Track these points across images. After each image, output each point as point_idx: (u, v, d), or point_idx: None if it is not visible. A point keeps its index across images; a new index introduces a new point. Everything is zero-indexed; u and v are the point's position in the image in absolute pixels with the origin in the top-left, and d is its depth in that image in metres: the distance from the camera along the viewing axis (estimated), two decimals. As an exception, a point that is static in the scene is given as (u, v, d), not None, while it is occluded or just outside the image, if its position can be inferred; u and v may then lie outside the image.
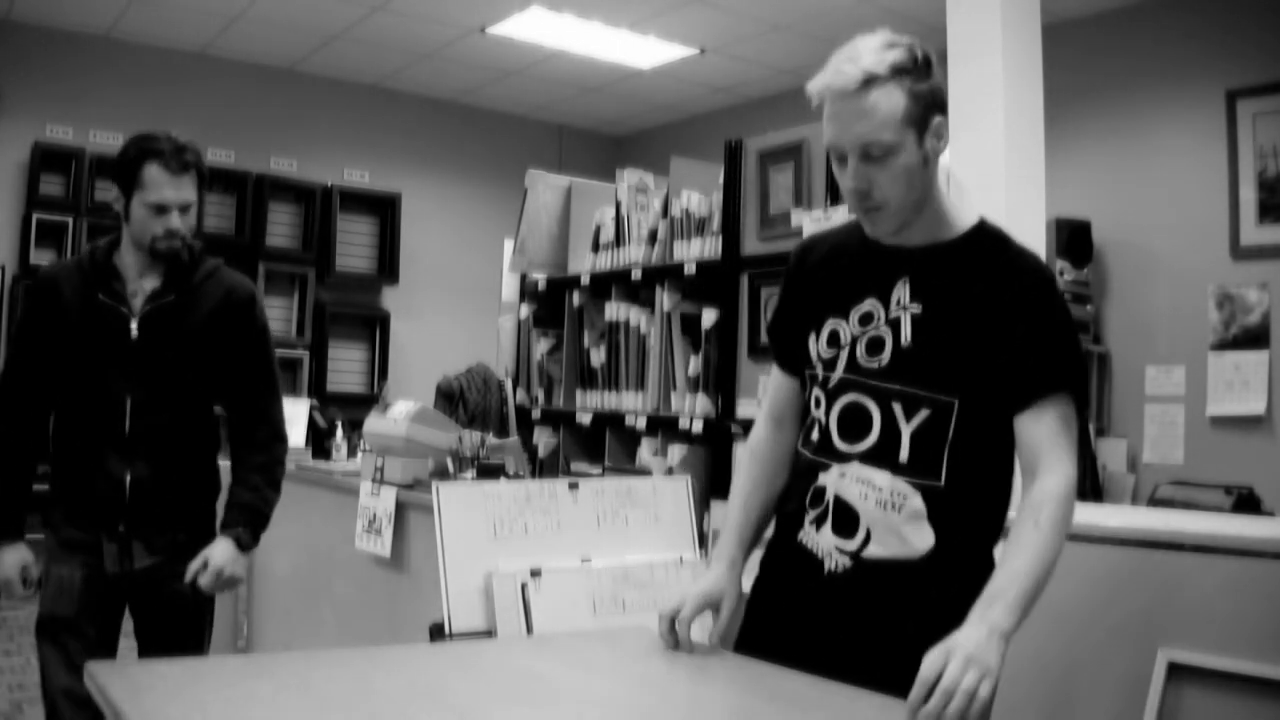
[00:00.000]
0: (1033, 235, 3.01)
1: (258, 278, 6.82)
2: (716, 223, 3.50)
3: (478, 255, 7.21)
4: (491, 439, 3.71)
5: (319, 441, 4.70)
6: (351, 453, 4.44)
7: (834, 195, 3.16)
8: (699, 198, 3.62)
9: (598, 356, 3.89)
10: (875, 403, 1.63)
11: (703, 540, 3.24)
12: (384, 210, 7.42)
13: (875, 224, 1.67)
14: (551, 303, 4.17)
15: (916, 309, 1.62)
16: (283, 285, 7.05)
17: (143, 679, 1.51)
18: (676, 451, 3.51)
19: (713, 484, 3.37)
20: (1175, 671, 1.96)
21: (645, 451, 3.67)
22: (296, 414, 4.83)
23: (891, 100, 1.57)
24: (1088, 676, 2.09)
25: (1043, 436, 1.55)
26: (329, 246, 7.12)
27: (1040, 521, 1.51)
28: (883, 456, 1.62)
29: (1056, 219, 4.94)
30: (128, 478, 2.40)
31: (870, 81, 1.58)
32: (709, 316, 3.48)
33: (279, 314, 7.04)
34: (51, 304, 2.40)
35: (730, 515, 1.87)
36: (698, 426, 3.43)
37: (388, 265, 7.40)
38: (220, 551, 2.47)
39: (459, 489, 2.35)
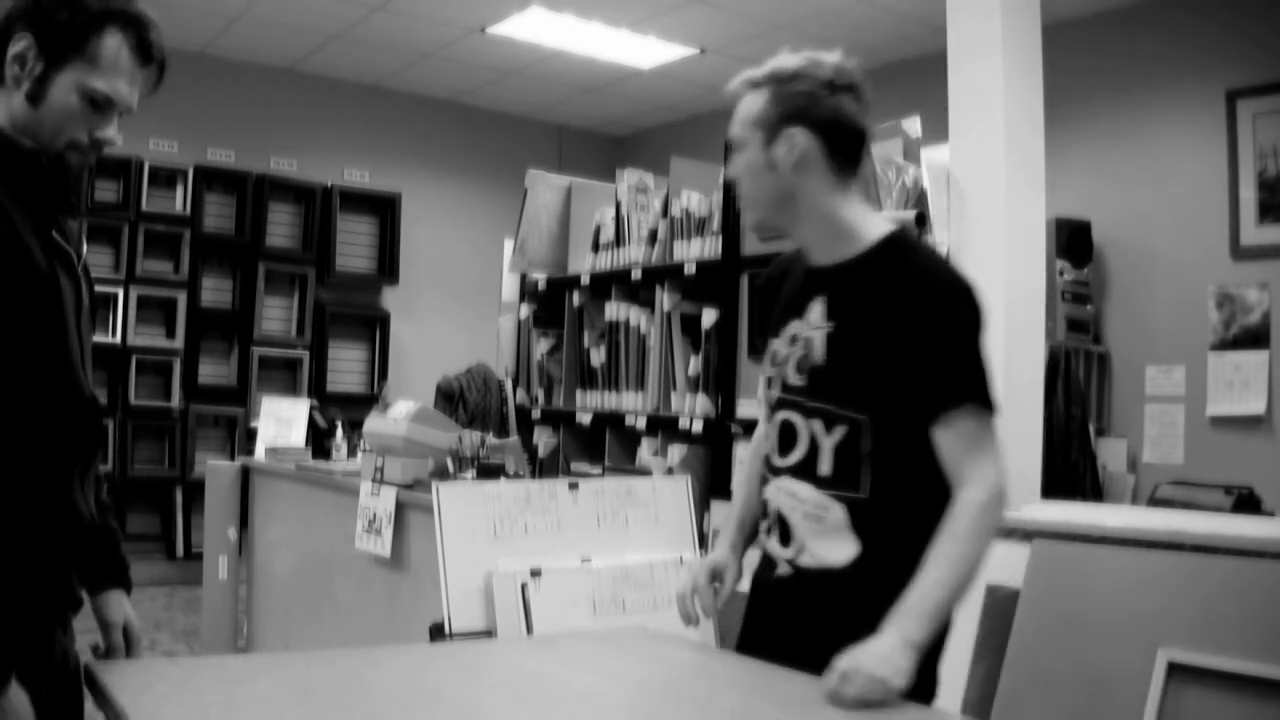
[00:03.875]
0: (1033, 235, 3.01)
1: (258, 278, 6.83)
2: (716, 223, 3.51)
3: (478, 255, 7.22)
4: (491, 439, 3.71)
5: (319, 441, 4.70)
6: (351, 453, 4.43)
7: (834, 195, 3.16)
8: (699, 198, 3.62)
9: (598, 356, 3.89)
10: (802, 419, 1.71)
11: (703, 540, 3.24)
12: (384, 210, 7.42)
13: (745, 217, 1.81)
14: (551, 303, 4.17)
15: (830, 328, 1.68)
16: (283, 285, 7.05)
17: (143, 679, 1.51)
18: (676, 451, 3.51)
19: (713, 484, 3.37)
20: (1175, 671, 1.96)
21: (645, 451, 3.67)
22: (297, 414, 4.84)
23: (752, 103, 1.70)
24: (1088, 676, 2.09)
25: (957, 448, 1.59)
26: (329, 246, 7.12)
27: (958, 532, 1.55)
28: (807, 470, 1.69)
29: (1056, 219, 4.94)
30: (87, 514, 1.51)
31: (748, 85, 1.72)
32: (709, 316, 3.48)
33: (279, 314, 7.04)
34: (7, 244, 1.38)
35: (733, 507, 1.98)
36: (698, 426, 3.43)
37: (388, 265, 7.40)
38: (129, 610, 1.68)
39: (459, 489, 2.36)
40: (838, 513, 1.66)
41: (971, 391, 1.61)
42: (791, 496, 1.71)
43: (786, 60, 1.68)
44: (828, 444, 1.67)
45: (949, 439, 1.59)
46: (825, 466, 1.67)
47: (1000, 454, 1.60)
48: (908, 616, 1.50)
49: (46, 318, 1.41)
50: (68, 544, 1.45)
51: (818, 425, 1.68)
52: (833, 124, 1.65)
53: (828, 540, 1.67)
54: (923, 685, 1.53)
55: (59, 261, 1.45)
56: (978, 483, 1.57)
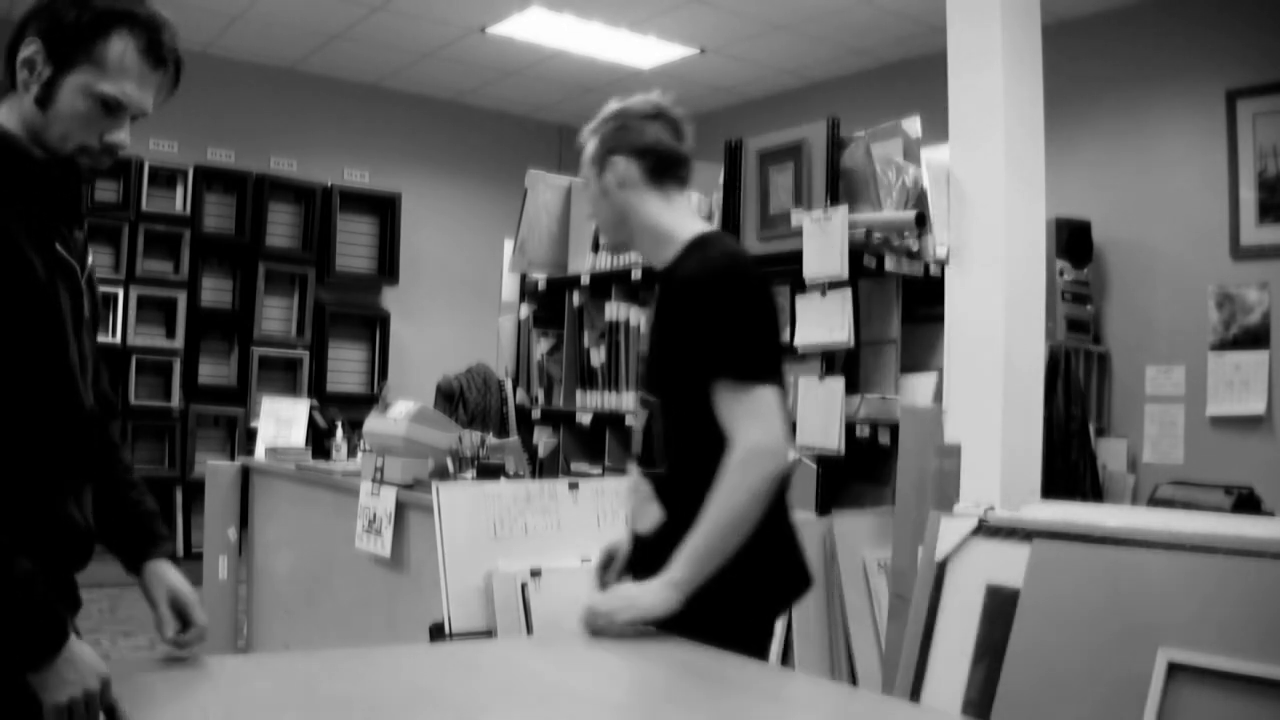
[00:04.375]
0: (1033, 235, 3.01)
1: (258, 278, 6.83)
2: (716, 222, 3.51)
3: (478, 255, 7.21)
4: (491, 439, 3.71)
5: (319, 441, 4.70)
6: (351, 453, 4.43)
7: (834, 196, 3.16)
8: (699, 198, 3.62)
9: (598, 356, 3.89)
10: (639, 408, 2.05)
11: (703, 540, 3.25)
12: (384, 210, 7.42)
13: (601, 240, 2.16)
14: (551, 303, 4.17)
15: (647, 325, 2.01)
16: (283, 285, 7.05)
17: (143, 679, 1.51)
18: (676, 451, 3.51)
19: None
20: (1175, 671, 1.96)
21: (645, 451, 3.67)
22: (297, 414, 4.84)
23: (589, 146, 2.04)
24: (1087, 676, 2.09)
25: (724, 418, 1.81)
26: (329, 246, 7.12)
27: (719, 488, 1.78)
28: (634, 452, 2.04)
29: (1056, 219, 4.94)
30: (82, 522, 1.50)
31: (588, 133, 2.06)
32: (709, 316, 3.48)
33: (279, 314, 7.04)
34: (5, 252, 1.36)
35: None
36: (698, 426, 3.43)
37: (388, 265, 7.40)
38: (171, 580, 1.63)
39: (459, 489, 2.36)
40: (646, 487, 1.95)
41: (725, 366, 1.81)
42: (628, 475, 2.05)
43: (610, 105, 2.04)
44: (638, 427, 2.00)
45: (718, 411, 1.81)
46: (637, 448, 2.01)
47: (767, 415, 1.79)
48: (675, 561, 1.76)
49: (44, 331, 1.40)
50: (60, 550, 1.42)
51: (640, 412, 2.01)
52: (647, 148, 1.97)
53: (643, 512, 1.95)
54: (712, 623, 1.74)
55: (60, 274, 1.43)
56: (738, 445, 1.78)
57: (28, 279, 1.36)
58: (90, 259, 1.56)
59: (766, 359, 1.84)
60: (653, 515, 1.92)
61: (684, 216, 1.99)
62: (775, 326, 1.91)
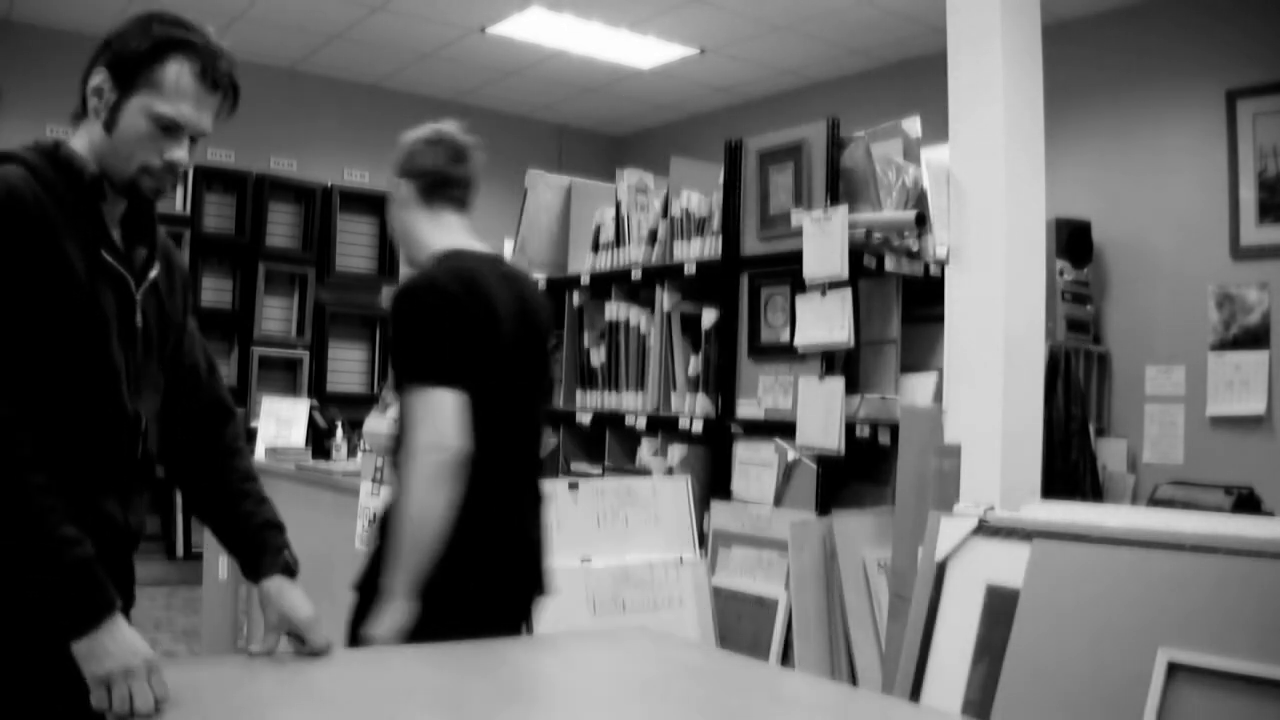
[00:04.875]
0: (1033, 235, 3.01)
1: (258, 278, 6.83)
2: (716, 223, 3.50)
3: (478, 255, 7.21)
4: (491, 439, 3.70)
5: (319, 441, 4.70)
6: (351, 453, 4.44)
7: (834, 196, 3.16)
8: (699, 198, 3.62)
9: (598, 356, 3.89)
10: None
11: (702, 540, 3.25)
12: (384, 210, 7.38)
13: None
14: (551, 303, 4.17)
15: None
16: (283, 285, 7.05)
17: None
18: (676, 451, 3.51)
19: (712, 484, 3.37)
20: (1175, 671, 1.96)
21: (645, 451, 3.67)
22: (297, 414, 4.84)
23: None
24: (1088, 676, 2.09)
25: (405, 421, 1.97)
26: (329, 246, 7.12)
27: (400, 489, 1.94)
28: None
29: (1056, 219, 4.94)
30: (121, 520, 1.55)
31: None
32: (709, 316, 3.48)
33: (279, 314, 7.04)
34: (46, 248, 1.42)
35: None
36: (698, 426, 3.43)
37: (388, 265, 7.40)
38: (304, 601, 1.65)
39: (459, 489, 2.35)
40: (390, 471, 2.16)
41: (406, 373, 1.97)
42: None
43: (405, 134, 2.24)
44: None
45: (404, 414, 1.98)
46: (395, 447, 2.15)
47: (437, 415, 1.91)
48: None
49: (81, 331, 1.46)
50: (95, 546, 1.39)
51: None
52: (422, 171, 2.19)
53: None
54: (442, 626, 1.81)
55: (106, 281, 1.51)
56: (408, 443, 1.92)
57: (67, 280, 1.44)
58: (154, 273, 1.63)
59: (443, 364, 1.94)
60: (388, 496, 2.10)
61: (446, 233, 2.17)
62: (470, 335, 1.99)
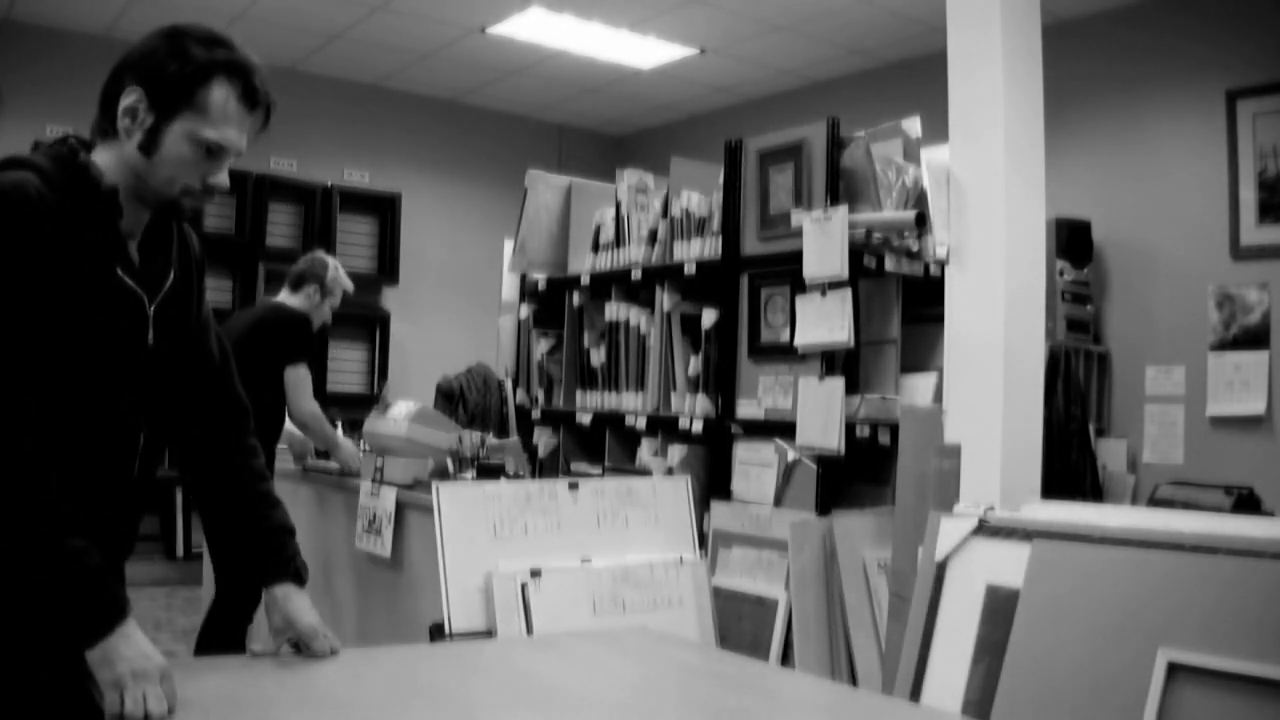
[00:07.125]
0: (1033, 235, 3.01)
1: (258, 278, 6.83)
2: (716, 223, 3.50)
3: (478, 255, 7.21)
4: (491, 439, 3.71)
5: (319, 441, 4.70)
6: (351, 453, 4.43)
7: (834, 196, 3.16)
8: (699, 198, 3.62)
9: (598, 356, 3.89)
10: None
11: (702, 540, 3.25)
12: (384, 210, 7.42)
13: None
14: (551, 303, 4.17)
15: None
16: (283, 285, 7.03)
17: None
18: (676, 451, 3.51)
19: (712, 484, 3.37)
20: (1175, 671, 1.96)
21: (645, 451, 3.67)
22: (296, 414, 4.82)
23: None
24: (1088, 676, 2.09)
25: None
26: (329, 246, 7.10)
27: None
28: None
29: (1056, 219, 4.94)
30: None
31: None
32: (709, 316, 3.48)
33: (279, 314, 7.03)
34: (52, 258, 1.39)
35: None
36: (697, 427, 3.43)
37: (388, 265, 7.40)
38: (309, 609, 1.66)
39: (459, 489, 2.35)
40: None
41: None
42: None
43: None
44: None
45: None
46: None
47: None
48: None
49: (79, 343, 1.43)
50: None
51: None
52: None
53: None
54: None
55: (119, 298, 1.47)
56: None
57: (70, 293, 1.40)
58: (170, 280, 1.56)
59: None
60: None
61: None
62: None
